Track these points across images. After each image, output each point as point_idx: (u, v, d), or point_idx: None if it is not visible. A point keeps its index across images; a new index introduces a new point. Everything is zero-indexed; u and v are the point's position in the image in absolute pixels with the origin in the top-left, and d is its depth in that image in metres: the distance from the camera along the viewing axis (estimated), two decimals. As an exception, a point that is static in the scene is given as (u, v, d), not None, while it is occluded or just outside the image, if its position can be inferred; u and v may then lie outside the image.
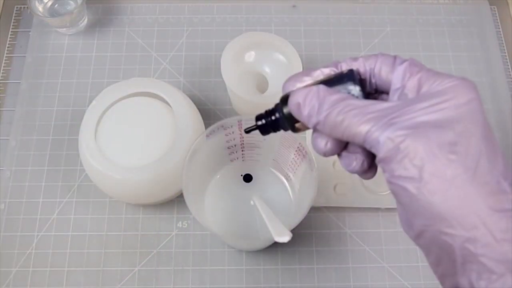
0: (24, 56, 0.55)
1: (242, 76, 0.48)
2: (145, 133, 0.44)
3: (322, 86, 0.25)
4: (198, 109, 0.47)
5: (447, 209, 0.21)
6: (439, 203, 0.21)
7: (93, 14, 0.57)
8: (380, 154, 0.23)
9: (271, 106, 0.29)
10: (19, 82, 0.53)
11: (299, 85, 0.27)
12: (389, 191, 0.46)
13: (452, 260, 0.22)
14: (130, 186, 0.42)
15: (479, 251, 0.21)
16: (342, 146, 0.26)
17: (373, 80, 0.26)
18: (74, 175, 0.49)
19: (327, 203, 0.47)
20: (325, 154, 0.27)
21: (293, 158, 0.42)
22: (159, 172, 0.42)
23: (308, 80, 0.27)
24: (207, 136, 0.40)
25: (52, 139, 0.50)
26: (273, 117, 0.28)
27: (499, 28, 0.57)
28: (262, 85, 0.50)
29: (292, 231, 0.35)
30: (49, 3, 0.55)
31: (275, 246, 0.46)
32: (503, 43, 0.56)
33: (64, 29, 0.55)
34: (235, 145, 0.43)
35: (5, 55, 0.55)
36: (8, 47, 0.55)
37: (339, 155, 0.27)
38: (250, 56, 0.49)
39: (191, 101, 0.47)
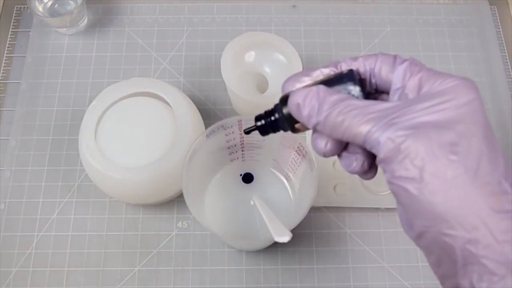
0: (24, 56, 0.55)
1: (242, 76, 0.48)
2: (145, 133, 0.44)
3: (322, 87, 0.25)
4: (198, 109, 0.47)
5: (448, 210, 0.21)
6: (440, 204, 0.21)
7: (93, 14, 0.57)
8: (380, 154, 0.23)
9: (271, 106, 0.28)
10: (19, 82, 0.53)
11: (299, 85, 0.27)
12: (389, 191, 0.46)
13: (453, 261, 0.22)
14: (130, 186, 0.42)
15: (480, 252, 0.21)
16: (342, 147, 0.26)
17: (373, 80, 0.26)
18: (74, 175, 0.49)
19: (327, 203, 0.47)
20: (325, 155, 0.26)
21: (293, 158, 0.42)
22: (159, 172, 0.42)
23: (307, 81, 0.27)
24: (207, 136, 0.40)
25: (52, 139, 0.50)
26: (272, 118, 0.28)
27: (499, 28, 0.57)
28: (262, 85, 0.50)
29: (292, 231, 0.35)
30: (49, 3, 0.55)
31: (275, 246, 0.46)
32: (503, 43, 0.56)
33: (64, 29, 0.55)
34: (235, 145, 0.43)
35: (5, 55, 0.55)
36: (8, 47, 0.55)
37: (339, 155, 0.27)
38: (250, 56, 0.49)
39: (191, 101, 0.47)
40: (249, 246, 0.46)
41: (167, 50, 0.55)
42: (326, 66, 0.27)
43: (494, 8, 0.58)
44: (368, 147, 0.24)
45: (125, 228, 0.47)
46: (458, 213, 0.21)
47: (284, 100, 0.27)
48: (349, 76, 0.26)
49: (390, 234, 0.47)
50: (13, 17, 0.57)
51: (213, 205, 0.45)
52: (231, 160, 0.46)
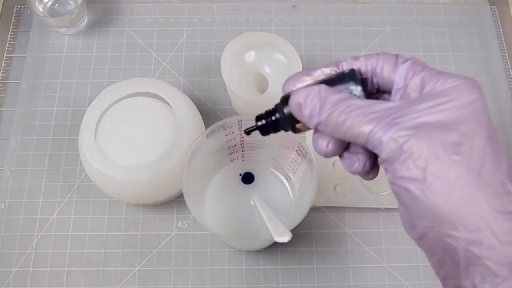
0: (24, 56, 0.55)
1: (242, 76, 0.48)
2: (145, 133, 0.44)
3: (323, 86, 0.25)
4: (198, 109, 0.47)
5: (451, 211, 0.21)
6: (443, 205, 0.21)
7: (93, 14, 0.57)
8: (383, 154, 0.23)
9: (271, 106, 0.28)
10: (19, 82, 0.53)
11: (300, 85, 0.27)
12: (389, 191, 0.46)
13: (456, 263, 0.22)
14: (130, 186, 0.42)
15: (484, 253, 0.21)
16: (344, 147, 0.26)
17: (374, 80, 0.26)
18: (74, 175, 0.49)
19: (327, 203, 0.47)
20: (327, 155, 0.26)
21: (293, 158, 0.42)
22: (159, 172, 0.42)
23: (308, 80, 0.27)
24: (207, 136, 0.40)
25: (52, 139, 0.50)
26: (273, 118, 0.28)
27: (499, 28, 0.57)
28: (262, 85, 0.50)
29: (292, 231, 0.35)
30: (49, 3, 0.55)
31: (275, 246, 0.46)
32: (503, 43, 0.56)
33: (64, 29, 0.55)
34: (235, 145, 0.43)
35: (5, 55, 0.55)
36: (8, 47, 0.55)
37: (340, 156, 0.27)
38: (250, 56, 0.49)
39: (191, 101, 0.47)
40: (249, 246, 0.46)
41: (167, 50, 0.55)
42: (327, 66, 0.27)
43: (494, 8, 0.58)
44: (370, 147, 0.23)
45: (125, 228, 0.47)
46: (461, 214, 0.21)
47: (285, 99, 0.27)
48: (351, 76, 0.25)
49: (390, 234, 0.47)
50: (13, 17, 0.57)
51: (213, 205, 0.45)
52: (231, 160, 0.46)
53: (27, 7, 0.57)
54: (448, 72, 0.24)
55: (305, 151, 0.39)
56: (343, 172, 0.47)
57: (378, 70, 0.25)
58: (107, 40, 0.56)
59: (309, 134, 0.48)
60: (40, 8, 0.54)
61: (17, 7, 0.58)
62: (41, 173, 0.49)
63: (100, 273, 0.45)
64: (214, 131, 0.40)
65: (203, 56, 0.55)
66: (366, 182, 0.47)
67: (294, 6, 0.58)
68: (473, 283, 0.21)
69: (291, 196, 0.45)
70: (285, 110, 0.27)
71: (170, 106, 0.44)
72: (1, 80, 0.53)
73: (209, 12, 0.57)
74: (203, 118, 0.47)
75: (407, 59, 0.25)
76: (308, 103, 0.25)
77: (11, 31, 0.56)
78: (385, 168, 0.23)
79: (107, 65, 0.54)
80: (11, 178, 0.49)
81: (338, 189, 0.47)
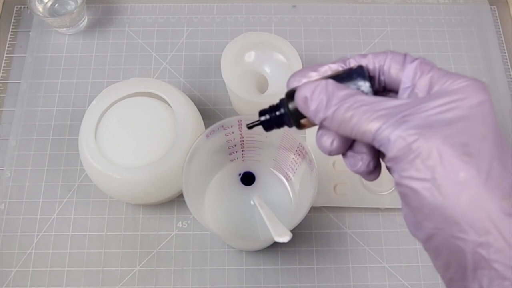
0: (24, 56, 0.55)
1: (242, 76, 0.48)
2: (145, 133, 0.44)
3: (331, 81, 0.24)
4: (198, 109, 0.47)
5: (459, 213, 0.21)
6: (452, 206, 0.21)
7: (93, 14, 0.57)
8: (390, 153, 0.22)
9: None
10: (19, 82, 0.53)
11: (305, 80, 0.26)
12: (389, 191, 0.46)
13: (463, 265, 0.21)
14: (130, 186, 0.42)
15: (492, 256, 0.20)
16: (348, 145, 0.26)
17: (381, 78, 0.25)
18: (74, 175, 0.49)
19: (327, 203, 0.47)
20: (331, 153, 0.25)
21: (293, 158, 0.42)
22: (159, 172, 0.42)
23: (315, 76, 0.26)
24: (207, 136, 0.40)
25: (52, 139, 0.50)
26: (277, 113, 0.27)
27: (499, 28, 0.57)
28: (262, 85, 0.50)
29: (292, 231, 0.35)
30: (49, 3, 0.55)
31: (275, 246, 0.46)
32: (503, 43, 0.56)
33: (64, 29, 0.55)
34: (235, 145, 0.43)
35: (5, 55, 0.55)
36: (8, 47, 0.55)
37: (344, 154, 0.26)
38: (250, 56, 0.49)
39: (191, 101, 0.47)
40: (249, 246, 0.46)
41: (167, 50, 0.55)
42: (334, 62, 0.26)
43: (494, 8, 0.58)
44: (376, 145, 0.23)
45: (125, 228, 0.47)
46: (470, 216, 0.20)
47: (290, 94, 0.26)
48: (359, 72, 0.25)
49: (390, 234, 0.47)
50: (13, 17, 0.57)
51: (213, 205, 0.45)
52: (231, 160, 0.46)
53: (27, 7, 0.57)
54: (456, 73, 0.23)
55: (305, 151, 0.39)
56: (343, 172, 0.47)
57: (385, 68, 0.25)
58: (107, 40, 0.56)
59: (309, 134, 0.48)
60: (40, 8, 0.54)
61: (17, 7, 0.58)
62: (41, 173, 0.49)
63: (100, 273, 0.45)
64: (214, 131, 0.40)
65: (203, 56, 0.55)
66: (366, 182, 0.47)
67: (294, 6, 0.58)
68: (480, 286, 0.21)
69: (291, 196, 0.45)
70: (290, 105, 0.26)
71: (170, 106, 0.44)
72: (1, 80, 0.53)
73: (209, 12, 0.57)
74: (203, 118, 0.47)
75: (416, 59, 0.24)
76: (315, 97, 0.24)
77: (11, 31, 0.56)
78: (391, 168, 0.23)
79: (107, 65, 0.54)
80: (11, 178, 0.49)
81: (338, 189, 0.47)
